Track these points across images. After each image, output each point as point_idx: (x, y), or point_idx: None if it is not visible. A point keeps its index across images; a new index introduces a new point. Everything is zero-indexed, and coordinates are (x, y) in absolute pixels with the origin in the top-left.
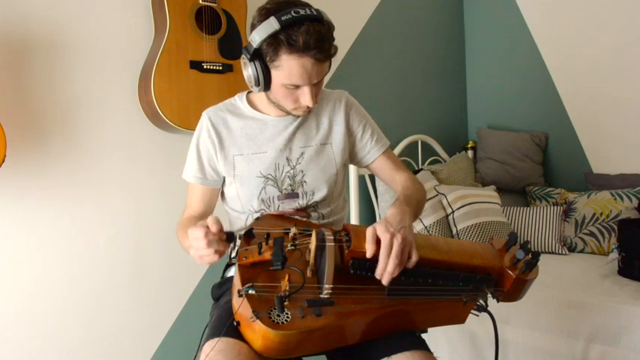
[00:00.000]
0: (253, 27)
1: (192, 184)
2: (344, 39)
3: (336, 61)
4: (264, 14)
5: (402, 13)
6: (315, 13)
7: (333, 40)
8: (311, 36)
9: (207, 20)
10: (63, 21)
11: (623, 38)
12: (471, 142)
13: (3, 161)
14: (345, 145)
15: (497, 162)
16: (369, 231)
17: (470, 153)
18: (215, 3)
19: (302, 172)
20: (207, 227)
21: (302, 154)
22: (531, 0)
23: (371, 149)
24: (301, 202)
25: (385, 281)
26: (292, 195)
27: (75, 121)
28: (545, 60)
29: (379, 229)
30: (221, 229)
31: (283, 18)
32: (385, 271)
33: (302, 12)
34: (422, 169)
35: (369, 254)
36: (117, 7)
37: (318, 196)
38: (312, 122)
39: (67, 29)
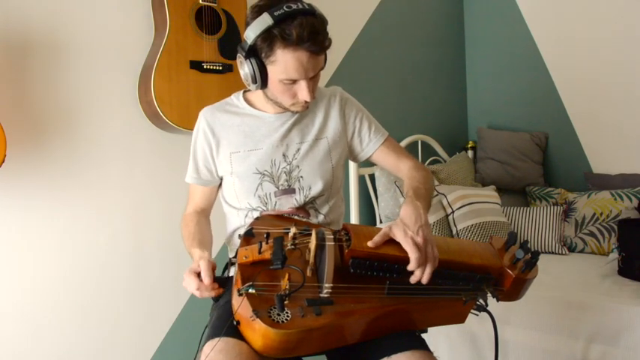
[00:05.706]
0: (247, 25)
1: (191, 183)
2: (344, 39)
3: (336, 61)
4: (256, 11)
5: (402, 13)
6: (307, 7)
7: (327, 33)
8: (304, 29)
9: (207, 20)
10: (63, 21)
11: (623, 38)
12: (471, 142)
13: (3, 161)
14: (342, 139)
15: (497, 162)
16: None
17: (470, 153)
18: (215, 3)
19: (298, 167)
20: (200, 279)
21: (298, 149)
22: (531, 0)
23: (369, 142)
24: (298, 197)
25: (425, 280)
26: (289, 190)
27: (75, 121)
28: (545, 60)
29: (397, 233)
30: (213, 279)
31: (276, 13)
32: (424, 273)
33: (294, 6)
34: None
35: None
36: (117, 8)
37: (314, 191)
38: (308, 118)
39: (67, 29)
